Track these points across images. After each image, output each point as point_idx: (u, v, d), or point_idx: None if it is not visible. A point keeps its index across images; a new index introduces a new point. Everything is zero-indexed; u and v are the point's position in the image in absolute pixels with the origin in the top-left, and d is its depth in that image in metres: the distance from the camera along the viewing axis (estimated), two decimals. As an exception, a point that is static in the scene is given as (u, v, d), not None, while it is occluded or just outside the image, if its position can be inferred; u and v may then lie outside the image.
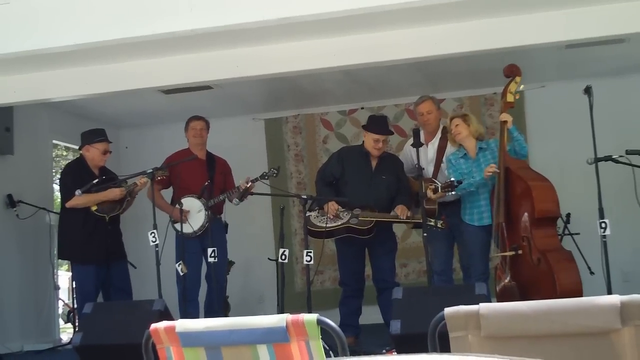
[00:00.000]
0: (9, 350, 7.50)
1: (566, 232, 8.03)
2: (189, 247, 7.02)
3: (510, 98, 6.55)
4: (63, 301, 10.07)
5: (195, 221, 7.18)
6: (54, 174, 9.74)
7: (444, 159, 6.97)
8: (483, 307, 2.16)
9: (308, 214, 6.81)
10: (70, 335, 8.27)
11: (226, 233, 7.67)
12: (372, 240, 6.88)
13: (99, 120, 9.20)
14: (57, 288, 9.11)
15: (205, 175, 7.35)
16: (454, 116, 6.88)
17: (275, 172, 7.26)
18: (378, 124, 7.12)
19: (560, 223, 7.47)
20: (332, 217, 6.85)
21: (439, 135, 7.11)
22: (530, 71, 6.84)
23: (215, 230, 7.07)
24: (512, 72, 6.60)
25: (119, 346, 5.36)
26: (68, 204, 7.07)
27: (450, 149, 6.90)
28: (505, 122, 6.41)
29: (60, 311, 9.94)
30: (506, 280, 6.19)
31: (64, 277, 11.43)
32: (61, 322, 10.11)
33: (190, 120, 7.66)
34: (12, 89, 7.30)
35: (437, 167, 7.01)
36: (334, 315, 6.73)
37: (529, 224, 6.20)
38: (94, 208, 7.05)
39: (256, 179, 7.16)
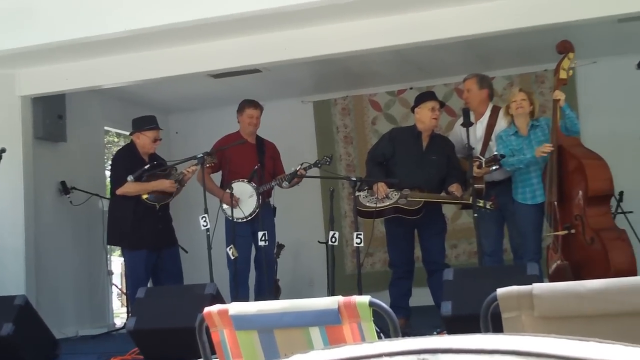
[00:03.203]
0: (64, 335, 7.63)
1: (619, 210, 7.92)
2: (238, 231, 7.04)
3: (563, 75, 6.45)
4: (116, 286, 10.21)
5: (246, 206, 7.21)
6: (105, 160, 9.87)
7: (492, 137, 6.91)
8: (536, 287, 2.13)
9: (357, 194, 6.80)
10: (124, 320, 8.39)
11: (274, 217, 7.70)
12: (421, 221, 6.86)
13: (149, 105, 9.30)
14: (110, 273, 9.24)
15: (255, 159, 7.36)
16: (523, 90, 6.79)
17: (328, 160, 7.22)
18: (428, 94, 7.19)
19: (613, 201, 7.36)
20: (381, 198, 6.83)
21: (487, 113, 7.03)
22: (582, 46, 6.73)
23: (264, 214, 7.10)
24: (565, 48, 6.49)
25: (172, 330, 5.42)
26: (119, 192, 7.14)
27: (499, 126, 6.84)
28: (558, 100, 6.33)
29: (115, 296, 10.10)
30: (559, 261, 6.13)
31: (117, 262, 11.57)
32: (115, 306, 10.25)
33: (247, 107, 7.60)
34: (64, 77, 7.42)
35: (485, 145, 6.93)
36: (384, 297, 6.73)
37: (582, 202, 6.12)
38: (144, 196, 7.12)
39: (309, 166, 7.15)
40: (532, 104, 6.60)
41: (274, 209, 7.72)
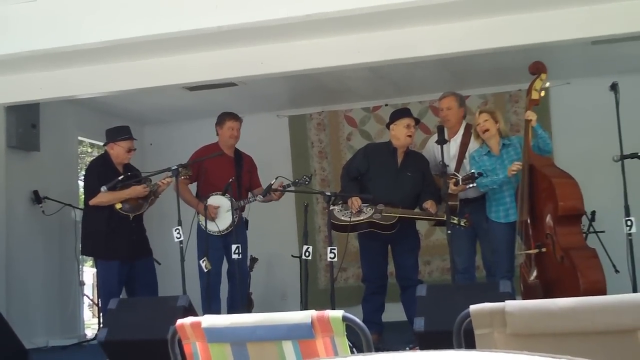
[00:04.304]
0: (34, 346, 7.56)
1: (591, 230, 7.98)
2: (211, 244, 7.03)
3: (535, 95, 6.51)
4: (88, 297, 10.13)
5: (222, 221, 7.20)
6: (79, 170, 9.81)
7: (466, 155, 6.95)
8: (509, 304, 2.15)
9: (331, 207, 6.81)
10: (95, 331, 8.32)
11: (246, 230, 7.68)
12: (395, 237, 6.87)
13: (124, 116, 9.26)
14: (82, 284, 9.17)
15: (232, 172, 7.33)
16: (483, 110, 6.82)
17: (307, 180, 7.24)
18: (403, 111, 7.21)
19: (585, 221, 7.42)
20: (355, 212, 6.84)
21: (461, 131, 7.07)
22: (556, 68, 6.79)
23: (237, 227, 7.08)
24: (537, 69, 6.56)
25: (144, 342, 5.39)
26: (92, 202, 7.08)
27: (473, 144, 6.88)
28: (529, 120, 6.38)
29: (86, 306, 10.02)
30: (531, 278, 6.17)
31: (88, 273, 11.49)
32: (86, 317, 10.17)
33: (228, 119, 7.59)
34: (39, 86, 7.35)
35: (459, 163, 6.97)
36: (357, 312, 6.72)
37: (552, 221, 6.16)
38: (118, 206, 7.06)
39: (288, 185, 7.17)
40: (497, 122, 6.63)
41: (246, 221, 7.70)
